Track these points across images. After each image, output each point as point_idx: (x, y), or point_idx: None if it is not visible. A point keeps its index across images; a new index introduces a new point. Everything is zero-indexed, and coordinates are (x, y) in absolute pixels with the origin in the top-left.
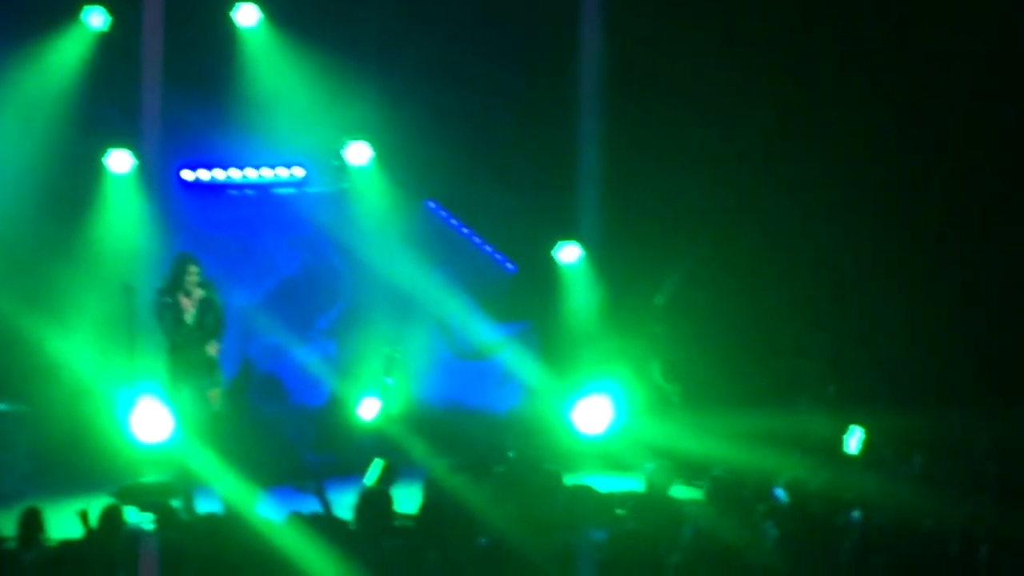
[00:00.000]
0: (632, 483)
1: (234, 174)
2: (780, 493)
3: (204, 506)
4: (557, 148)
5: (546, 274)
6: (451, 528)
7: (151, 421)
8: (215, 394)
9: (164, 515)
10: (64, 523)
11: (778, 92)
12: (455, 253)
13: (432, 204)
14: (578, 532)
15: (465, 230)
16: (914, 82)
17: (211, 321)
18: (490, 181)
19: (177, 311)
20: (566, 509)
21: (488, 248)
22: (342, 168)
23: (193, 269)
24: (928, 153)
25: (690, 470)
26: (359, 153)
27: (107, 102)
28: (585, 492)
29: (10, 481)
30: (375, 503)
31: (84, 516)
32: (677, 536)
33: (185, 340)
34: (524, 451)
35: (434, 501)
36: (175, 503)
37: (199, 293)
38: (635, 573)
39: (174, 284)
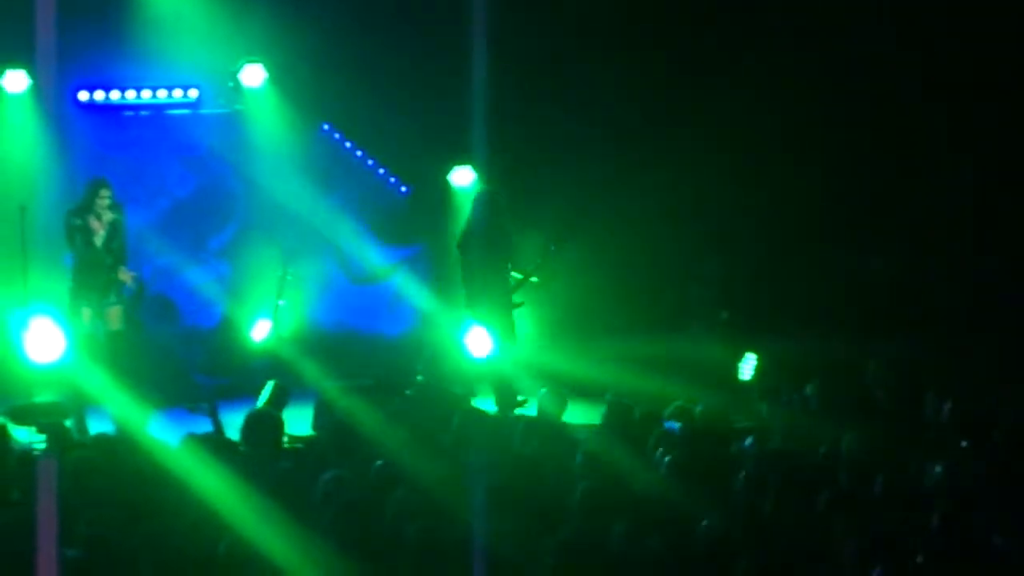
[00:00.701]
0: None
1: (129, 95)
2: (671, 422)
3: (96, 427)
4: (451, 71)
5: (439, 197)
6: (344, 450)
7: (44, 341)
8: (115, 312)
9: (56, 435)
10: None
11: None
12: (349, 175)
13: (327, 126)
14: (470, 456)
15: (359, 152)
16: None
17: (118, 244)
18: (384, 104)
19: (87, 233)
20: (460, 433)
21: (382, 171)
22: (237, 90)
23: (104, 192)
24: (810, 77)
25: (582, 395)
26: (254, 75)
27: (1, 22)
28: (478, 416)
29: None
30: (264, 425)
31: None
32: (569, 462)
33: (92, 261)
34: (431, 375)
35: (326, 423)
36: (67, 423)
37: (109, 216)
38: (525, 498)
39: (85, 206)
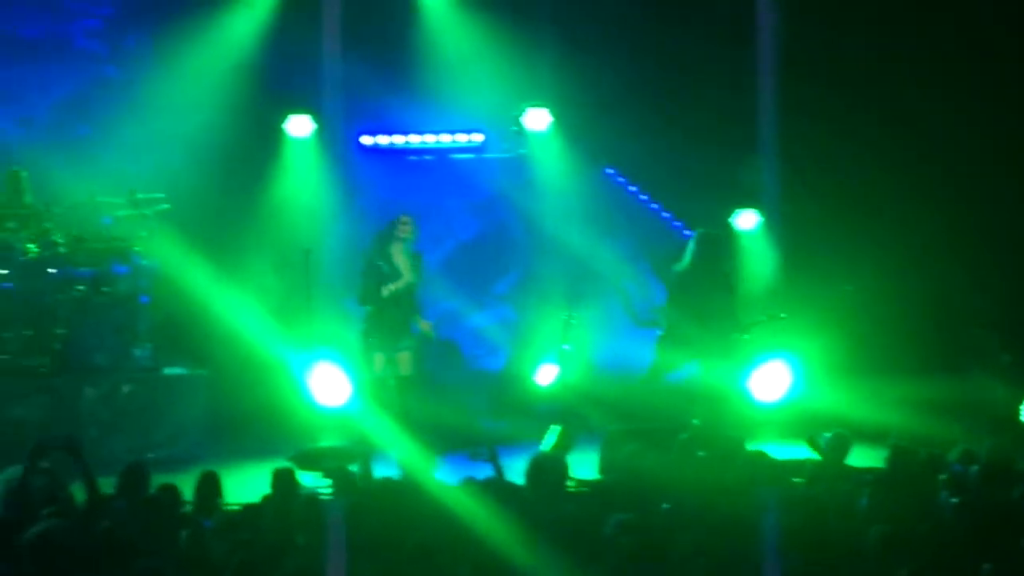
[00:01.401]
0: (808, 452)
1: (413, 139)
2: (956, 465)
3: (381, 471)
4: (736, 115)
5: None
6: (629, 493)
7: (330, 385)
8: (406, 357)
9: (341, 480)
10: (241, 487)
11: (953, 74)
12: (632, 219)
13: (610, 171)
14: (755, 498)
15: (643, 196)
16: None
17: (415, 290)
18: (668, 148)
19: (385, 276)
20: (744, 475)
21: (666, 214)
22: (521, 134)
23: (405, 234)
24: None
25: (864, 438)
26: (538, 119)
27: (288, 67)
28: (762, 459)
29: (188, 445)
30: (549, 468)
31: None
32: (853, 505)
33: (387, 305)
34: (707, 418)
35: (612, 466)
36: (353, 468)
37: (408, 261)
38: (811, 540)
39: (385, 248)
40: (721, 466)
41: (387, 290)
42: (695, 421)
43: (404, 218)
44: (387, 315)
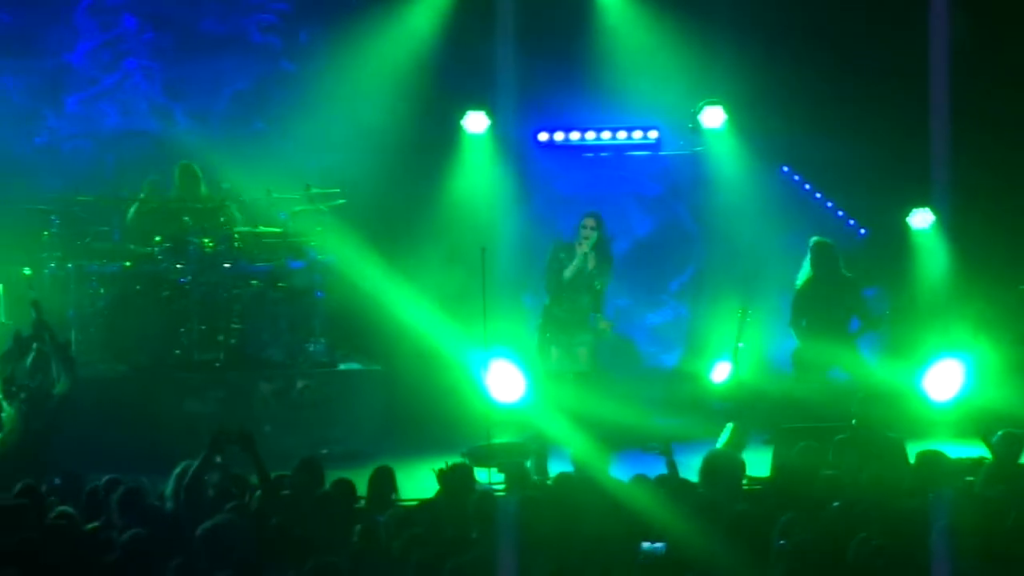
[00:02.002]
0: (981, 451)
1: (589, 136)
2: None
3: (555, 467)
4: (910, 114)
5: (898, 239)
6: (801, 492)
7: (505, 382)
8: (584, 353)
9: (516, 475)
10: (416, 483)
11: None
12: (807, 217)
13: (785, 168)
14: (928, 498)
15: (818, 195)
16: None
17: (599, 287)
18: (843, 146)
19: (566, 270)
20: (915, 474)
21: (840, 213)
22: (696, 131)
23: (590, 230)
24: None
25: None
26: (713, 116)
27: (465, 63)
28: (935, 458)
29: (362, 440)
30: (725, 466)
31: (441, 474)
32: None
33: (568, 300)
34: (865, 419)
35: (784, 465)
36: (527, 463)
37: (593, 257)
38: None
39: (571, 243)
40: (888, 466)
41: (570, 270)
42: (852, 421)
43: (587, 220)
44: (566, 309)
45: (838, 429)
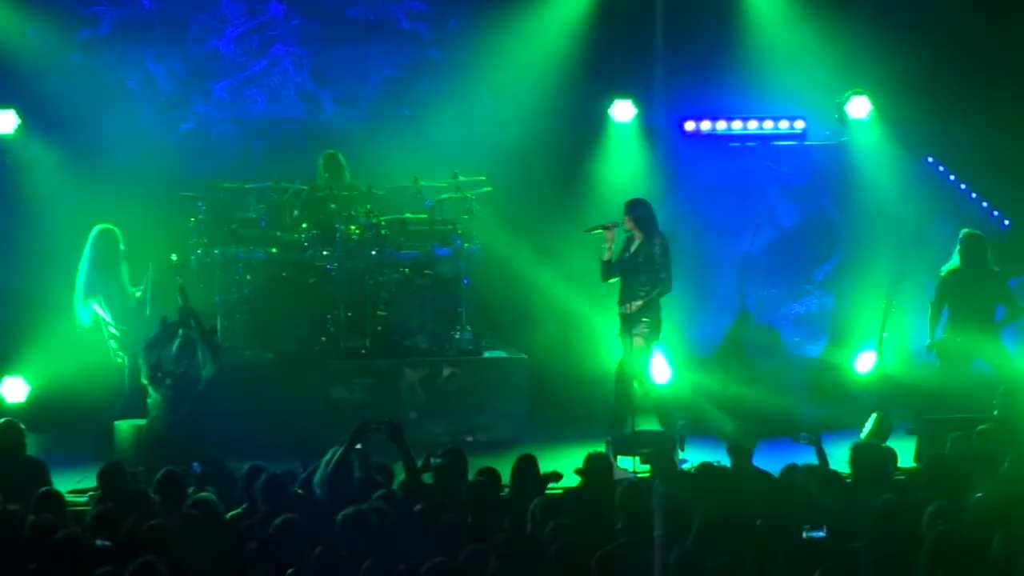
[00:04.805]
0: None
1: (736, 126)
2: None
3: (698, 456)
4: None
5: None
6: (946, 482)
7: (651, 370)
8: (639, 341)
9: (660, 464)
10: (561, 471)
11: None
12: (951, 208)
13: (930, 159)
14: None
15: (963, 186)
16: None
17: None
18: (987, 136)
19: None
20: None
21: (985, 204)
22: (842, 121)
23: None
24: None
25: None
26: (860, 107)
27: (613, 52)
28: None
29: (507, 428)
30: (873, 456)
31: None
32: None
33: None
34: (1007, 410)
35: (929, 455)
36: (672, 453)
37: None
38: None
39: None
40: None
41: (606, 252)
42: (995, 412)
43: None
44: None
45: (981, 420)
